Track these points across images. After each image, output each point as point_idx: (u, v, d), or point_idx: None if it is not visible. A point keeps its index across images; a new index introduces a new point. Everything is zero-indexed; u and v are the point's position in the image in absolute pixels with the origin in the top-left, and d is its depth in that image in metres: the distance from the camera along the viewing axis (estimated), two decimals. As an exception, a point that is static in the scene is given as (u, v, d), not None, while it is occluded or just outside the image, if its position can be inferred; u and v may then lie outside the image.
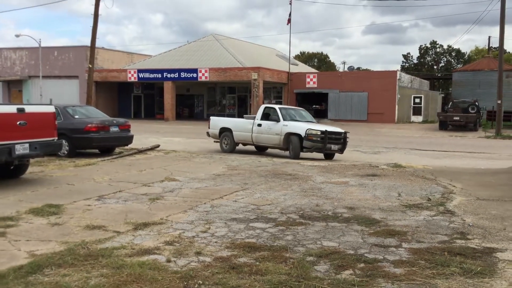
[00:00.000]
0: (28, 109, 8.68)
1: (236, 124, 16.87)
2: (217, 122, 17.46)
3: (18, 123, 8.41)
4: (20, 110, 8.50)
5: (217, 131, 17.09)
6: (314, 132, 14.72)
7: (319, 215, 6.97)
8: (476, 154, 18.31)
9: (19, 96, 43.29)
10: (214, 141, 17.48)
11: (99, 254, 4.96)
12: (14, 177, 9.61)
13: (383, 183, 9.88)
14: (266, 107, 16.46)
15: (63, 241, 5.47)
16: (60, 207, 7.08)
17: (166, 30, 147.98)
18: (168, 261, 4.87)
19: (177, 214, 6.92)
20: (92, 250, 5.11)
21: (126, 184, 9.18)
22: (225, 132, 16.80)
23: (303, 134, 14.63)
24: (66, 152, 12.77)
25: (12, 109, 8.49)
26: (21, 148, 8.47)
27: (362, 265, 4.86)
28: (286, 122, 15.36)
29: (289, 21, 39.89)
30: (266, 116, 15.90)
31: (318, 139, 14.63)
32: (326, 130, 14.79)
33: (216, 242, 5.58)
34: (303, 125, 15.15)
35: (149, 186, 9.11)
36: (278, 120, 15.44)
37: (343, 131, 15.49)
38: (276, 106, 16.43)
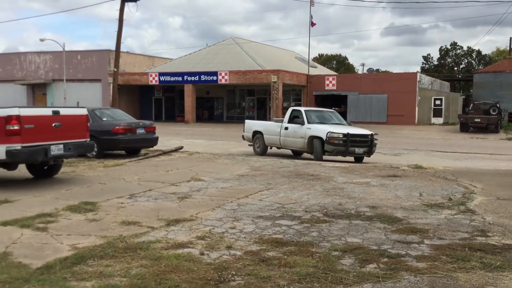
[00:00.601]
0: (63, 111, 9.11)
1: (266, 127, 16.85)
2: (251, 125, 17.53)
3: (53, 125, 8.85)
4: (55, 113, 8.94)
5: (250, 134, 17.16)
6: (335, 135, 14.34)
7: (342, 214, 7.21)
8: (497, 155, 18.29)
9: (43, 99, 44.26)
10: (249, 145, 17.48)
11: (137, 247, 5.29)
12: (48, 177, 10.05)
13: (404, 183, 10.06)
14: (293, 110, 16.35)
15: (102, 235, 5.82)
16: (95, 205, 7.46)
17: (185, 33, 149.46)
18: (202, 254, 5.17)
19: (205, 211, 7.23)
20: (130, 244, 5.44)
21: (154, 184, 9.55)
22: (257, 135, 16.86)
23: (324, 137, 14.38)
24: (94, 153, 13.21)
25: (48, 111, 8.93)
26: (56, 148, 8.89)
27: (385, 259, 5.10)
28: (310, 125, 15.10)
29: (313, 24, 40.11)
30: (293, 119, 15.80)
31: (340, 142, 14.22)
32: (348, 133, 14.32)
33: (245, 237, 5.87)
34: (326, 127, 14.77)
35: (176, 185, 9.45)
36: (302, 123, 15.22)
37: (369, 133, 14.93)
38: (303, 109, 16.25)
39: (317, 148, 14.70)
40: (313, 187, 9.53)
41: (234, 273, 4.60)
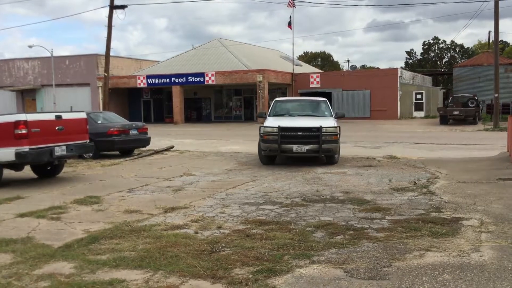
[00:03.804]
0: (65, 116, 10.00)
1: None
2: None
3: (56, 128, 9.73)
4: (58, 117, 9.82)
5: None
6: (269, 129, 11.76)
7: (319, 198, 8.18)
8: (472, 145, 19.34)
9: (33, 105, 44.76)
10: None
11: (141, 229, 6.22)
12: (51, 176, 10.93)
13: (377, 172, 11.07)
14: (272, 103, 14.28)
15: (109, 221, 6.73)
16: (99, 198, 8.36)
17: (171, 35, 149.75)
18: (196, 232, 6.11)
19: (198, 200, 8.16)
20: (134, 227, 6.36)
21: (150, 179, 10.46)
22: None
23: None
24: (91, 154, 14.06)
25: (51, 116, 9.81)
26: (60, 149, 9.78)
27: (351, 232, 6.07)
28: (268, 119, 12.72)
29: (290, 25, 41.16)
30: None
31: (275, 138, 11.63)
32: (279, 126, 11.66)
33: (232, 219, 6.82)
34: (271, 121, 12.31)
35: (170, 180, 10.37)
36: (265, 117, 12.99)
37: (317, 125, 11.71)
38: (276, 99, 14.22)
39: (259, 147, 12.34)
40: (295, 177, 10.49)
41: (224, 245, 5.54)
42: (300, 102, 14.65)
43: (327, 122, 12.20)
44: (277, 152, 11.85)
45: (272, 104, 13.70)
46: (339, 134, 12.11)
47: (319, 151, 11.80)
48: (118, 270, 4.78)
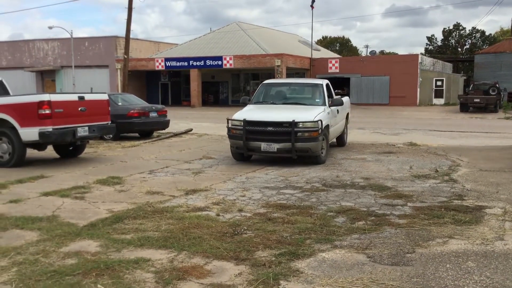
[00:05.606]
0: (87, 97, 10.09)
1: None
2: None
3: (79, 109, 9.83)
4: (81, 98, 9.91)
5: None
6: (236, 123, 10.01)
7: (339, 184, 8.16)
8: (492, 134, 19.08)
9: (52, 86, 45.18)
10: None
11: (163, 210, 6.28)
12: (74, 157, 11.07)
13: (398, 159, 10.99)
14: None
15: (131, 202, 6.81)
16: (121, 179, 8.46)
17: (188, 18, 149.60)
18: (218, 215, 6.15)
19: (218, 183, 8.20)
20: (156, 208, 6.43)
21: (170, 161, 10.54)
22: None
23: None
24: (111, 136, 14.20)
25: (74, 97, 9.90)
26: (82, 130, 9.89)
27: (372, 218, 6.06)
28: (249, 106, 11.15)
29: (312, 6, 40.79)
30: None
31: (241, 133, 9.93)
32: (244, 119, 9.87)
33: (253, 203, 6.85)
34: (242, 112, 10.49)
35: (190, 163, 10.43)
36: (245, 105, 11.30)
37: (289, 119, 9.67)
38: (264, 82, 12.18)
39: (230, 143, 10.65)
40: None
41: (245, 228, 5.58)
42: (290, 86, 12.32)
43: (308, 114, 10.01)
44: (244, 150, 10.06)
45: (258, 88, 11.77)
46: (321, 129, 9.84)
47: (292, 150, 9.78)
48: (143, 250, 4.85)
